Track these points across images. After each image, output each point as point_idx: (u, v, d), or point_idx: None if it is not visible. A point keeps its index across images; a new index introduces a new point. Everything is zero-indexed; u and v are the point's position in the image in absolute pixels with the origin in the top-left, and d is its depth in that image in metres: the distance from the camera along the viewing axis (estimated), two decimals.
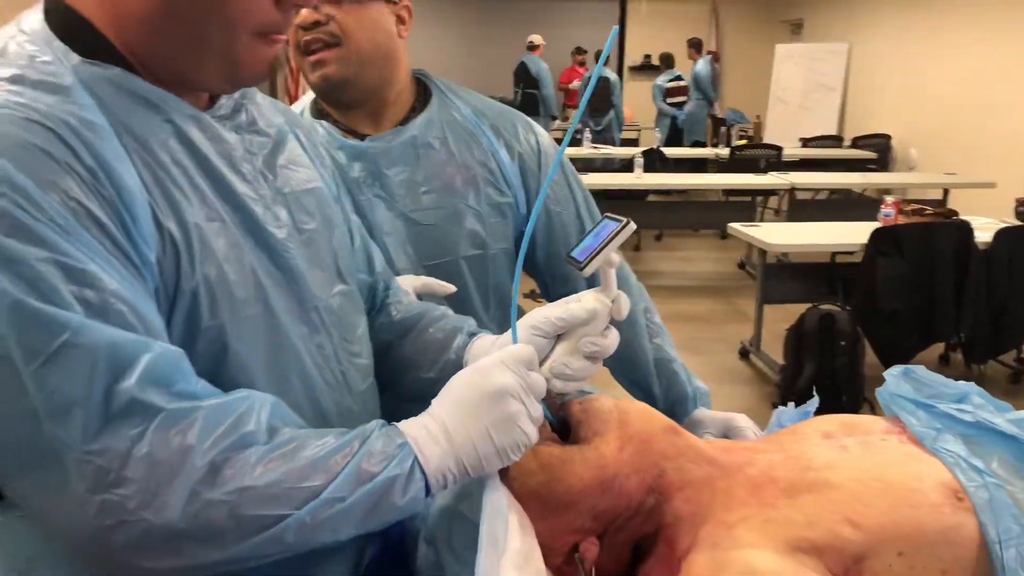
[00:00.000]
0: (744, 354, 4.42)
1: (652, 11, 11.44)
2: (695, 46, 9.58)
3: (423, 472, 0.72)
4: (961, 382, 0.94)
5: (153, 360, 0.62)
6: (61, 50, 0.69)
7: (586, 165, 8.36)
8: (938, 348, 4.23)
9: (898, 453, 0.83)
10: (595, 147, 8.08)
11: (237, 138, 0.80)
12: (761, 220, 6.98)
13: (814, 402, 1.18)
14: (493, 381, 0.74)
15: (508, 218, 1.32)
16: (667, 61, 9.47)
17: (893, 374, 0.96)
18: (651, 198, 6.91)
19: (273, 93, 7.24)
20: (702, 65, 9.43)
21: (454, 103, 1.33)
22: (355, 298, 0.92)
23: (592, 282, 1.32)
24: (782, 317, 4.09)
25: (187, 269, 0.70)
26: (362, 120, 1.27)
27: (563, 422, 0.86)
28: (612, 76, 9.28)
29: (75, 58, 0.69)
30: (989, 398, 0.90)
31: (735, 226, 4.27)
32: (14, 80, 0.65)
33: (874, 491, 0.77)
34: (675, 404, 1.31)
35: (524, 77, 9.51)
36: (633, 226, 0.81)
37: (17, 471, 0.61)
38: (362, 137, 1.25)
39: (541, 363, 0.84)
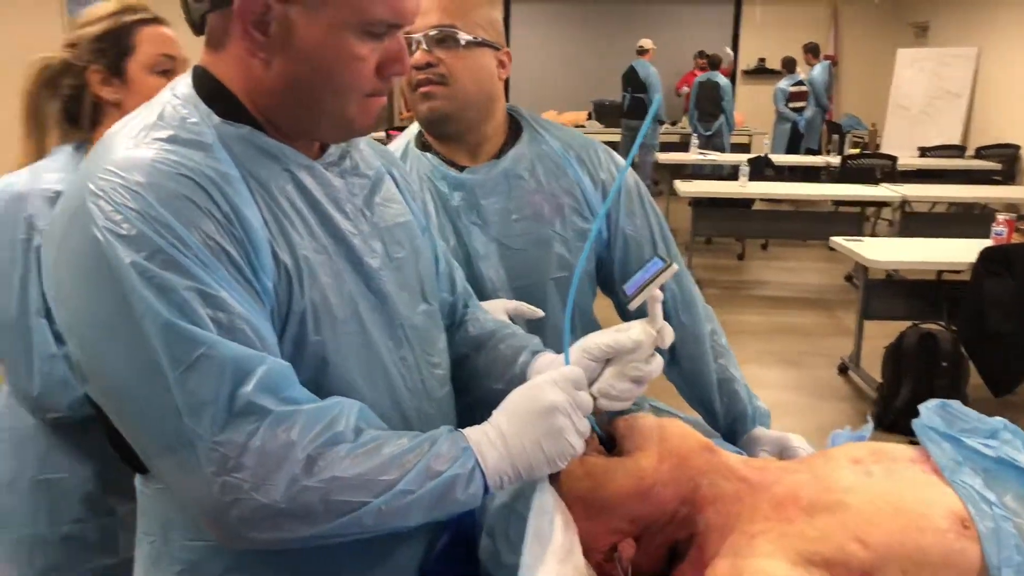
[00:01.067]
0: (843, 370, 4.37)
1: (768, 14, 11.25)
2: (812, 51, 9.37)
3: (482, 472, 0.84)
4: (995, 418, 1.00)
5: (267, 371, 0.77)
6: (205, 112, 0.86)
7: (695, 171, 8.32)
8: None
9: (917, 481, 0.90)
10: (702, 153, 8.04)
11: (342, 182, 0.95)
12: (873, 233, 6.81)
13: (869, 428, 1.24)
14: (545, 398, 0.86)
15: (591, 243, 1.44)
16: (789, 65, 9.27)
17: (928, 407, 1.02)
18: (757, 206, 6.84)
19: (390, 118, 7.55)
20: (819, 71, 9.22)
21: (543, 137, 1.45)
22: (436, 316, 1.06)
23: (664, 310, 1.43)
24: (886, 333, 4.03)
25: (297, 294, 0.85)
26: (461, 153, 1.40)
27: (610, 436, 0.97)
28: (723, 80, 9.20)
29: (215, 119, 0.85)
30: (1020, 434, 0.96)
31: (837, 240, 4.22)
32: (170, 140, 0.82)
33: (885, 513, 0.85)
34: (735, 422, 1.40)
35: (632, 81, 9.53)
36: (675, 268, 0.92)
37: (160, 453, 0.76)
38: (461, 168, 1.39)
39: (591, 383, 0.95)
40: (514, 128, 1.45)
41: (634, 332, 0.94)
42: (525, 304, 1.33)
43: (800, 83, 9.16)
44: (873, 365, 4.12)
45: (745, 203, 6.46)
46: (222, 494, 0.74)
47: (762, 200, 6.99)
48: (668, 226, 1.50)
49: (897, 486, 0.89)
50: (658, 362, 0.95)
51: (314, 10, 0.82)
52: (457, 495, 0.83)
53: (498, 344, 1.10)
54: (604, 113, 10.79)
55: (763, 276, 6.50)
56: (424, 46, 1.28)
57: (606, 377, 0.95)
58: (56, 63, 1.46)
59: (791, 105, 9.20)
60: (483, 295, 1.36)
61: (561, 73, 11.97)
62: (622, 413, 1.01)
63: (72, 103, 1.46)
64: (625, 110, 9.69)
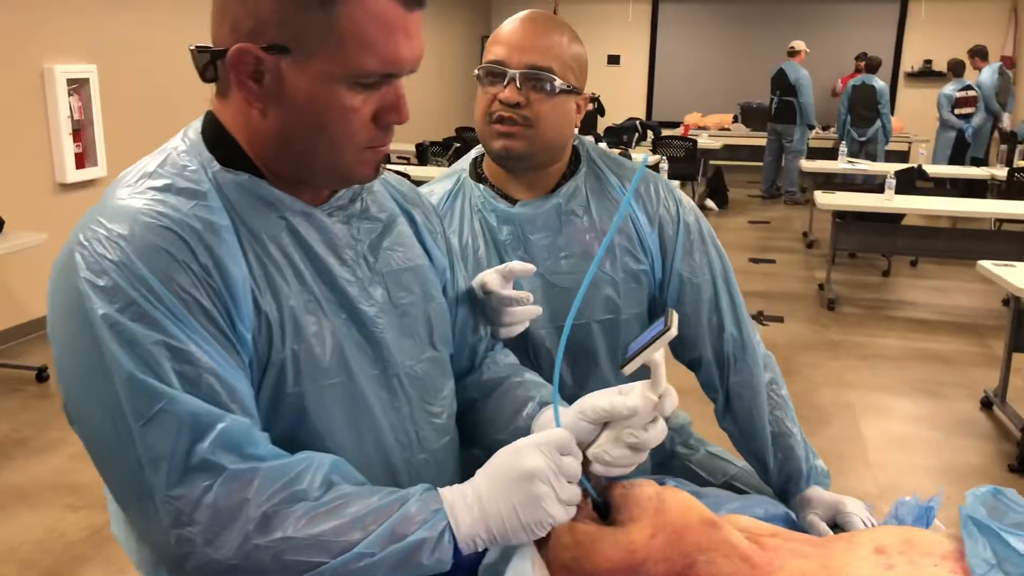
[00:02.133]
0: (986, 405, 4.01)
1: (937, 12, 10.50)
2: (979, 54, 8.65)
3: (454, 536, 0.82)
4: None
5: (225, 428, 0.77)
6: (207, 159, 0.88)
7: (846, 180, 7.87)
8: None
9: None
10: (850, 161, 7.61)
11: (344, 228, 0.94)
12: None
13: (937, 499, 1.13)
14: (524, 463, 0.83)
15: (643, 284, 1.38)
16: (956, 68, 8.60)
17: (977, 493, 0.92)
18: (909, 220, 6.38)
19: None
20: (987, 74, 8.50)
21: (602, 171, 1.40)
22: (443, 363, 1.04)
23: (721, 357, 1.35)
24: None
25: (278, 345, 0.85)
26: (518, 187, 1.38)
27: (607, 502, 0.92)
28: (879, 83, 8.66)
29: (216, 166, 0.87)
30: None
31: (985, 264, 3.87)
32: (164, 189, 0.84)
33: None
34: (788, 480, 1.31)
35: (781, 84, 9.15)
36: (673, 333, 0.85)
37: (126, 499, 0.79)
38: (513, 201, 1.37)
39: (588, 446, 0.91)
40: (574, 160, 1.41)
41: (631, 398, 0.88)
42: (517, 263, 1.21)
43: (968, 87, 8.46)
44: (1021, 401, 3.76)
45: (893, 217, 6.03)
46: (177, 546, 0.76)
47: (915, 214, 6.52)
48: (733, 272, 1.42)
49: None
50: (660, 429, 0.90)
51: (303, 63, 0.82)
52: (422, 559, 0.81)
53: (507, 392, 1.07)
54: (750, 116, 10.42)
55: (908, 296, 6.06)
56: (516, 84, 1.25)
57: (601, 441, 0.90)
58: None
59: (958, 111, 8.51)
60: (524, 333, 1.33)
61: (707, 74, 11.67)
62: (627, 476, 0.96)
63: None
64: (773, 113, 9.33)
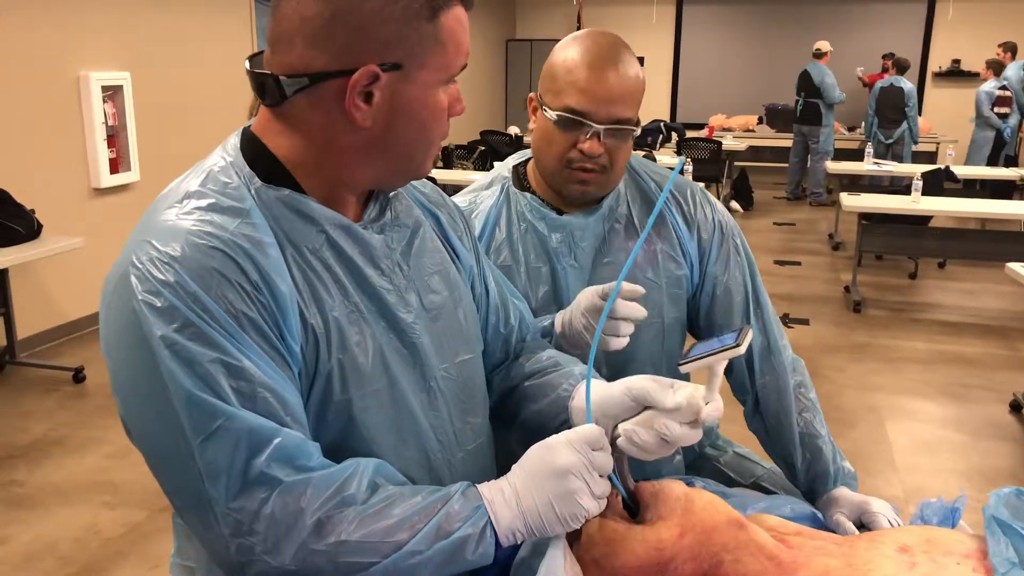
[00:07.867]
0: (1016, 408, 3.98)
1: (965, 12, 10.40)
2: (1010, 48, 8.56)
3: (494, 531, 0.86)
4: None
5: (280, 443, 0.80)
6: (248, 175, 0.89)
7: (872, 182, 7.82)
8: None
9: None
10: (876, 162, 7.56)
11: (380, 238, 0.97)
12: None
13: (962, 500, 1.15)
14: (557, 460, 0.87)
15: (683, 289, 1.42)
16: (996, 67, 8.48)
17: (1000, 493, 0.94)
18: (936, 222, 6.33)
19: None
20: (1013, 70, 8.41)
21: (642, 179, 1.44)
22: (477, 364, 1.08)
23: (751, 359, 1.38)
24: None
25: (324, 355, 0.89)
26: (569, 201, 1.40)
27: (636, 499, 0.96)
28: (907, 85, 8.60)
29: (257, 182, 0.89)
30: None
31: (1014, 266, 3.85)
32: (209, 208, 0.85)
33: None
34: (815, 480, 1.33)
35: (806, 86, 9.11)
36: (742, 350, 0.88)
37: (187, 509, 0.83)
38: (560, 211, 1.40)
39: (624, 420, 0.94)
40: None
41: (679, 395, 0.91)
42: (627, 284, 1.21)
43: (1005, 86, 8.36)
44: None
45: (920, 219, 5.98)
46: (238, 554, 0.80)
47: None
48: (760, 278, 1.45)
49: None
50: (693, 433, 0.92)
51: (412, 75, 0.87)
52: (467, 555, 0.84)
53: (547, 372, 1.12)
54: (776, 117, 10.39)
55: (935, 298, 6.02)
56: (600, 137, 1.27)
57: (637, 421, 0.93)
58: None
59: (997, 110, 8.40)
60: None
61: (732, 75, 11.64)
62: (656, 475, 0.99)
63: None
64: (798, 115, 9.29)
